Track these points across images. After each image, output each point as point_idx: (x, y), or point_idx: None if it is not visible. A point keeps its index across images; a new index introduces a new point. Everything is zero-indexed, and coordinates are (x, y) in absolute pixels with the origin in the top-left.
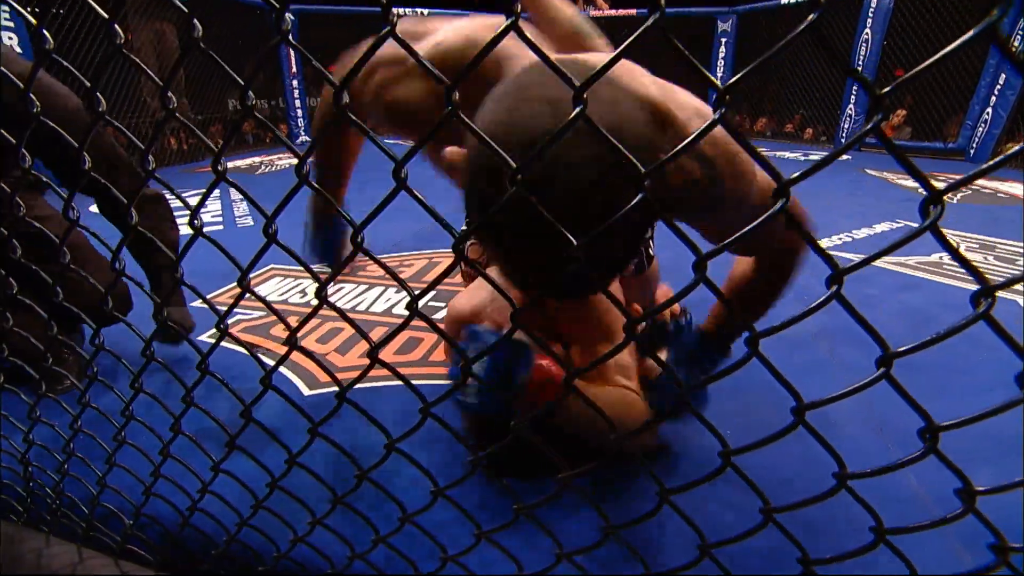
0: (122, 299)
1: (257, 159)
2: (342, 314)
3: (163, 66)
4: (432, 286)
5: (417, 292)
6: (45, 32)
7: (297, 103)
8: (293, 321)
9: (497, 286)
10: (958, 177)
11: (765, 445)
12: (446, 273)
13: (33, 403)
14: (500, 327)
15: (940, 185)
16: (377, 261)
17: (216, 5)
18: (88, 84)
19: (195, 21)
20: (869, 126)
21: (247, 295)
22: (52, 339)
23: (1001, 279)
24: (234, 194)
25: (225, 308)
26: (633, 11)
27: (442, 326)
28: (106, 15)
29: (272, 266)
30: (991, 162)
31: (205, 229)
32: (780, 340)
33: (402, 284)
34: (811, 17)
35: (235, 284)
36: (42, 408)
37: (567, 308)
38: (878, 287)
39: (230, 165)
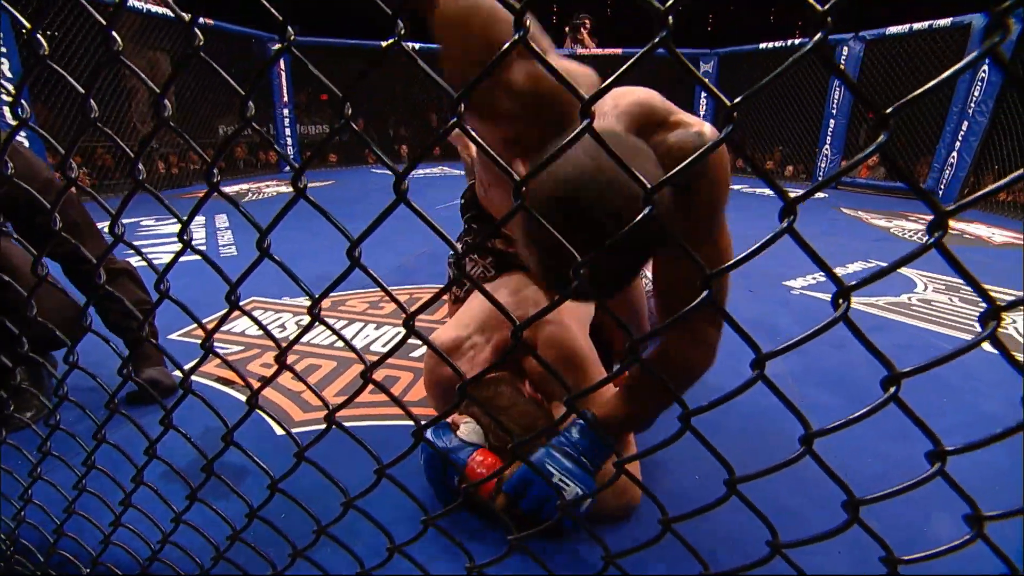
0: (69, 324)
1: (245, 186)
2: (302, 379)
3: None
4: (386, 357)
5: (372, 362)
6: (39, 36)
7: (287, 131)
8: (269, 357)
9: (427, 339)
10: (929, 217)
11: (702, 514)
12: (399, 345)
13: None
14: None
15: (916, 224)
16: (337, 333)
17: (208, 32)
18: (63, 151)
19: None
20: (785, 224)
21: (230, 317)
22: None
23: (965, 322)
24: (219, 222)
25: (206, 345)
26: (619, 50)
27: (420, 372)
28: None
29: (253, 298)
30: (901, 259)
31: (187, 257)
32: None
33: (357, 353)
34: (727, 129)
35: (214, 316)
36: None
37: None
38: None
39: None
